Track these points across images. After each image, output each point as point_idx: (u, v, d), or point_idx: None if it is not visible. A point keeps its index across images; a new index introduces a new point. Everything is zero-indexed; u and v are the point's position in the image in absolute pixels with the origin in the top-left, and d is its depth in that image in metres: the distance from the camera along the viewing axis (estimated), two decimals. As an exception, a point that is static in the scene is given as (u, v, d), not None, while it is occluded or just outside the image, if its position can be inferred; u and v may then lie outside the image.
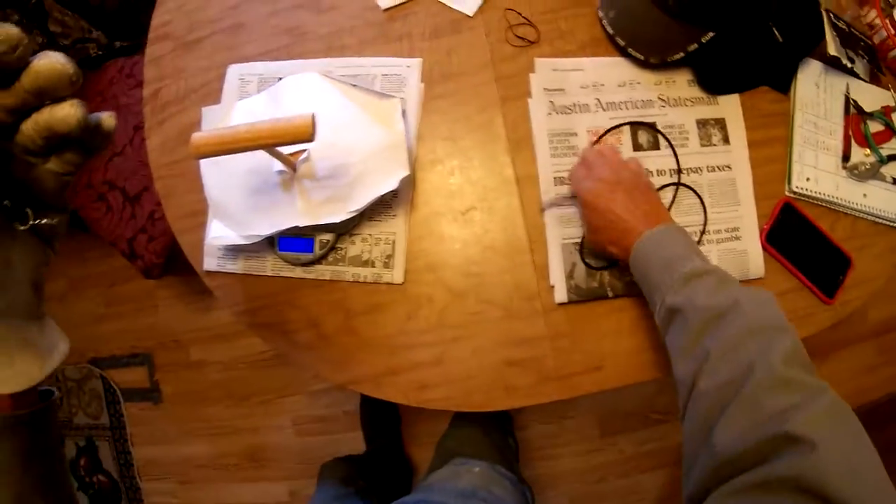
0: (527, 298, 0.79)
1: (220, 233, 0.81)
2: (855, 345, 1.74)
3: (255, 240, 0.79)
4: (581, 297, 0.79)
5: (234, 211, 0.81)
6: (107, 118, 0.44)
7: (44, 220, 0.46)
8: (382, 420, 1.71)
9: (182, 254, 0.85)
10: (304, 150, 0.76)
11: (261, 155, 0.70)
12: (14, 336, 0.45)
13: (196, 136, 0.64)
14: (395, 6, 0.88)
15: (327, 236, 0.80)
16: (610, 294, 0.80)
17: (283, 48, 0.88)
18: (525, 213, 0.81)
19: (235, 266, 0.83)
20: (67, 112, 0.40)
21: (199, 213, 0.85)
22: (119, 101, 1.32)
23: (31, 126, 0.40)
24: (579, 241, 0.80)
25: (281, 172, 0.77)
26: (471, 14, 0.87)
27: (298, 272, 0.81)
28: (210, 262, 0.84)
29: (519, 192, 0.81)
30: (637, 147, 0.85)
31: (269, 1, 0.91)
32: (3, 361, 0.44)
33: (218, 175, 0.82)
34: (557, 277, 0.80)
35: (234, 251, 0.83)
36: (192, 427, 1.83)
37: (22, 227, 0.45)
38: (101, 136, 0.44)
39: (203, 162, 0.82)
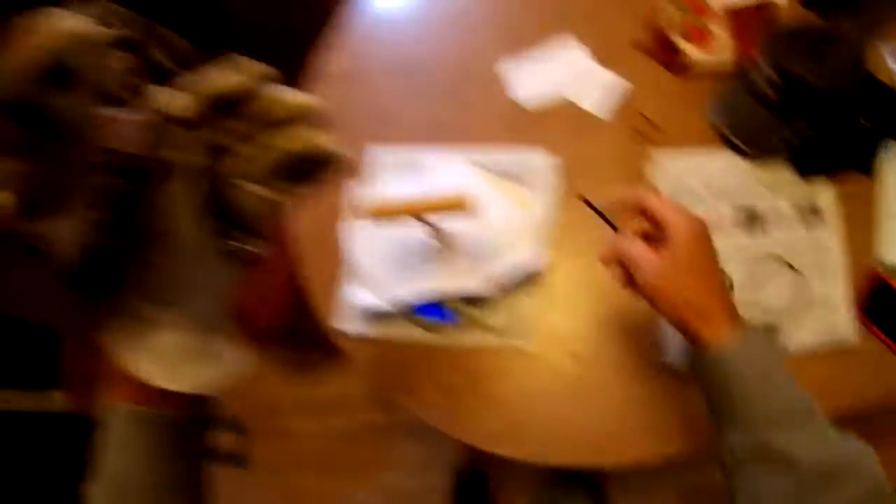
0: (644, 366, 0.91)
1: (363, 297, 0.93)
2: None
3: (399, 305, 0.90)
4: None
5: (380, 276, 0.93)
6: (340, 149, 0.48)
7: (246, 245, 0.49)
8: (473, 499, 1.72)
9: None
10: (453, 222, 0.87)
11: (408, 224, 0.82)
12: (199, 341, 0.47)
13: (371, 202, 0.77)
14: (531, 106, 1.03)
15: (465, 304, 0.91)
16: None
17: (424, 137, 1.03)
18: None
19: (370, 330, 0.94)
20: (310, 136, 0.45)
21: (336, 279, 0.96)
22: None
23: (260, 151, 0.44)
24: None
25: (427, 242, 0.89)
26: (599, 115, 1.01)
27: (432, 338, 0.93)
28: (345, 326, 0.94)
29: None
30: (743, 229, 0.98)
31: (420, 92, 1.06)
32: (181, 361, 0.46)
33: (365, 242, 0.95)
34: (674, 349, 0.93)
35: (371, 316, 0.94)
36: (279, 496, 1.85)
37: (227, 247, 0.48)
38: (327, 166, 0.47)
39: (351, 229, 0.96)
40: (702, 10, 1.08)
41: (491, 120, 1.03)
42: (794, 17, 1.05)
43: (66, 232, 0.41)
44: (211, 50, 0.46)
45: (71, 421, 2.22)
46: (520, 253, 0.91)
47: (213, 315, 0.49)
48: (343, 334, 0.94)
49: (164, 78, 0.43)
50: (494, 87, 1.05)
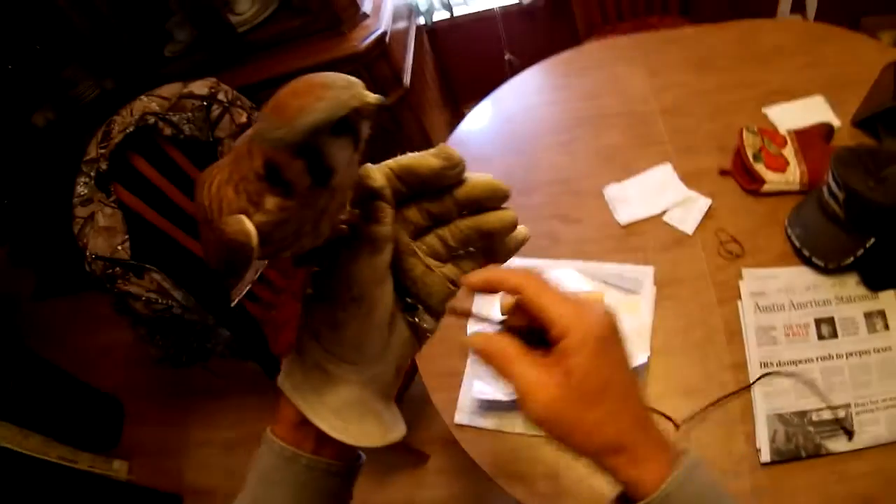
0: (737, 460, 1.03)
1: (483, 389, 1.05)
2: None
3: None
4: (781, 457, 1.04)
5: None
6: (523, 230, 0.51)
7: (424, 324, 0.51)
8: None
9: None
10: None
11: None
12: (370, 402, 0.50)
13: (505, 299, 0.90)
14: (631, 223, 1.19)
15: None
16: (803, 455, 1.04)
17: (539, 249, 1.20)
18: (740, 396, 1.06)
19: (485, 422, 1.04)
20: (506, 217, 0.49)
21: (453, 374, 1.09)
22: None
23: (450, 232, 0.48)
24: (783, 412, 1.06)
25: None
26: (690, 233, 1.17)
27: (540, 431, 1.06)
28: (461, 417, 1.05)
29: (734, 376, 1.08)
30: (820, 336, 1.11)
31: (534, 209, 1.23)
32: (353, 417, 0.48)
33: None
34: (763, 441, 1.05)
35: (486, 408, 1.05)
36: None
37: (409, 320, 0.50)
38: (510, 246, 0.51)
39: (470, 325, 1.07)
40: (775, 137, 1.24)
41: (597, 237, 1.19)
42: (849, 136, 1.20)
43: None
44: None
45: (128, 490, 2.41)
46: (632, 354, 1.04)
47: (387, 380, 0.52)
48: (460, 426, 1.05)
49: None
50: (599, 206, 1.22)
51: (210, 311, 1.62)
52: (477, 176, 0.48)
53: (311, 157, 0.38)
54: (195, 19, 2.05)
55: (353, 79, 0.39)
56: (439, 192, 0.48)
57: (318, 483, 0.50)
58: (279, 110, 0.37)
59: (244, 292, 1.75)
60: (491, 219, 0.49)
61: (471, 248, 0.51)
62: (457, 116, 2.75)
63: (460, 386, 1.10)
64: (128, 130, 1.48)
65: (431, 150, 0.48)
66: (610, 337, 0.48)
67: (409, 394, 1.62)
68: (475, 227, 0.49)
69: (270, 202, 0.39)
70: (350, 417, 0.48)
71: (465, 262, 0.51)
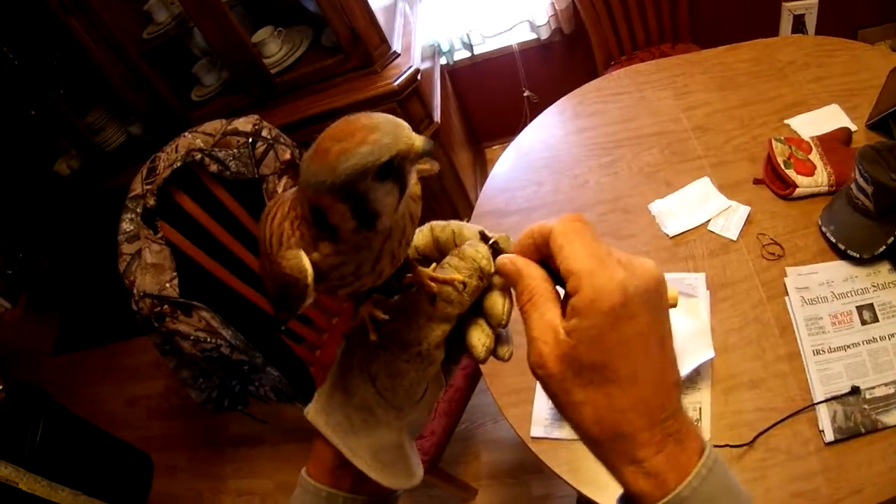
0: (803, 442, 1.14)
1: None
2: None
3: None
4: (843, 435, 1.16)
5: None
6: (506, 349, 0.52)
7: (450, 373, 0.55)
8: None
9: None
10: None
11: None
12: (405, 445, 0.52)
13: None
14: (679, 235, 1.33)
15: None
16: (862, 430, 1.16)
17: None
18: (797, 380, 1.19)
19: (560, 433, 1.14)
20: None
21: (522, 391, 1.19)
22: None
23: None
24: (839, 394, 1.18)
25: None
26: (734, 239, 1.31)
27: None
28: (537, 430, 1.14)
29: (790, 364, 1.20)
30: (863, 322, 1.24)
31: None
32: (388, 460, 0.50)
33: None
34: (825, 423, 1.17)
35: (560, 419, 1.14)
36: None
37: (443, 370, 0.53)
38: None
39: None
40: (800, 143, 1.39)
41: (650, 250, 1.33)
42: (866, 138, 1.33)
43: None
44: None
45: None
46: (693, 353, 1.17)
47: (422, 423, 0.54)
48: (536, 439, 1.15)
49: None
50: (647, 221, 1.36)
51: (259, 349, 1.64)
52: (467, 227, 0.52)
53: (355, 201, 0.38)
54: (229, 63, 2.15)
55: (398, 121, 0.39)
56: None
57: None
58: (321, 154, 0.38)
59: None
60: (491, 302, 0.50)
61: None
62: (479, 154, 2.88)
63: (533, 401, 1.20)
64: (175, 166, 1.48)
65: (470, 244, 0.50)
66: (631, 308, 0.41)
67: (456, 432, 1.68)
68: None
69: (324, 247, 0.41)
70: (386, 460, 0.50)
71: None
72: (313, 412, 0.50)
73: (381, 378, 0.49)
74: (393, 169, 0.38)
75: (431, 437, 1.57)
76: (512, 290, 0.48)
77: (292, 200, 0.42)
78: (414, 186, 0.44)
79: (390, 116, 0.39)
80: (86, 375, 3.44)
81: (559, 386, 0.42)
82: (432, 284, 0.48)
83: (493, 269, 0.48)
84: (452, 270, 0.48)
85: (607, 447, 0.42)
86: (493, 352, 0.50)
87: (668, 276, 1.30)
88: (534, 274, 0.46)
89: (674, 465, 0.41)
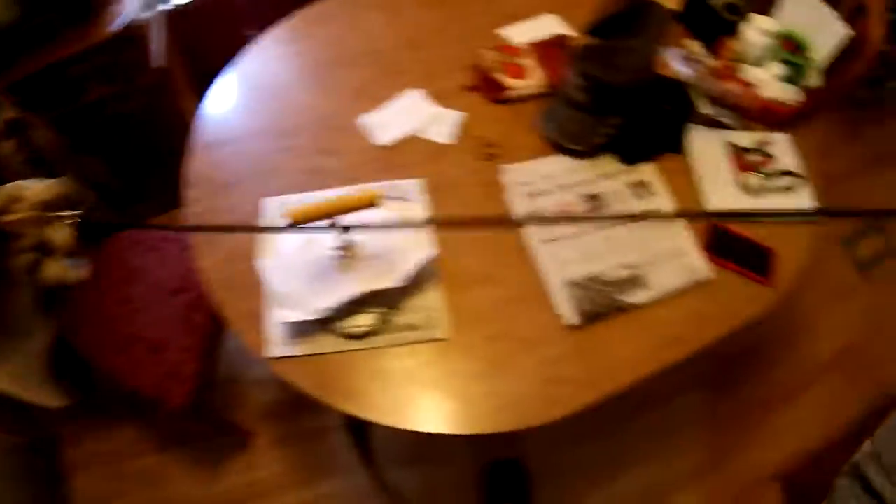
0: (543, 329, 1.06)
1: (285, 315, 1.02)
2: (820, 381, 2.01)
3: (325, 313, 1.00)
4: (587, 319, 1.07)
5: (299, 295, 1.03)
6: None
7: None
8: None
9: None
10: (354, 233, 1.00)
11: (317, 245, 0.98)
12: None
13: (291, 208, 0.88)
14: (393, 145, 1.23)
15: (379, 309, 1.04)
16: (605, 311, 1.08)
17: (312, 183, 1.19)
18: (531, 270, 1.11)
19: (298, 349, 1.04)
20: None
21: (254, 315, 1.06)
22: (133, 264, 1.56)
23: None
24: (575, 278, 1.10)
25: (334, 253, 1.02)
26: (449, 143, 1.23)
27: (354, 345, 1.04)
28: (273, 350, 1.04)
29: (519, 257, 1.12)
30: (588, 209, 1.19)
31: (295, 148, 1.24)
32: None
33: (279, 268, 1.06)
34: (565, 307, 1.08)
35: (296, 334, 1.04)
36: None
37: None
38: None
39: (264, 261, 1.08)
40: (512, 49, 1.36)
41: (361, 162, 1.21)
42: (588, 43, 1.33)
43: None
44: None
45: None
46: (414, 253, 1.05)
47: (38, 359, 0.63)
48: (276, 360, 1.04)
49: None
50: (358, 135, 1.25)
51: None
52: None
53: None
54: None
55: None
56: None
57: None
58: None
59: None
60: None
61: None
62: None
63: (266, 322, 1.07)
64: None
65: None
66: None
67: (219, 378, 1.61)
68: None
69: None
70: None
71: None
72: None
73: None
74: None
75: (190, 380, 1.42)
76: None
77: None
78: None
79: None
80: None
81: None
82: None
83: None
84: None
85: None
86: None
87: (381, 184, 1.18)
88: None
89: None
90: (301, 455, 1.88)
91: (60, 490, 0.54)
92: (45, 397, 0.54)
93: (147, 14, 2.06)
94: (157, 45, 2.11)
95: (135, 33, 1.87)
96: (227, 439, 1.90)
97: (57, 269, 0.63)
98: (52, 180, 0.65)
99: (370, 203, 0.92)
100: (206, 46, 2.57)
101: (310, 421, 1.92)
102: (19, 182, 0.64)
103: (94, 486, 1.84)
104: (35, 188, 0.63)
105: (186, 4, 2.40)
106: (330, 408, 1.01)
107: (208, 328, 1.49)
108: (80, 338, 1.45)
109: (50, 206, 0.62)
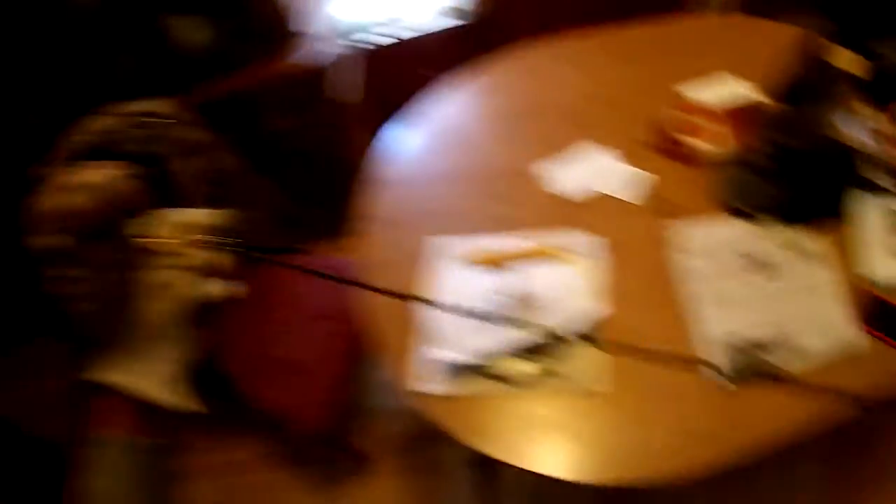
0: (698, 387, 1.16)
1: (441, 353, 1.14)
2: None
3: (483, 356, 1.12)
4: (740, 378, 1.17)
5: (458, 335, 1.14)
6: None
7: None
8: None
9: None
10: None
11: (482, 288, 1.08)
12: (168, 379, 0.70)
13: (471, 251, 1.03)
14: (576, 197, 1.39)
15: (535, 357, 1.13)
16: (758, 375, 1.18)
17: (485, 228, 1.32)
18: (690, 328, 1.23)
19: (441, 387, 1.15)
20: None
21: (405, 348, 1.18)
22: (284, 288, 1.67)
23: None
24: (733, 339, 1.23)
25: (499, 301, 1.14)
26: (631, 201, 1.38)
27: (503, 389, 1.15)
28: (417, 385, 1.15)
29: (682, 315, 1.24)
30: (754, 272, 1.31)
31: (473, 193, 1.38)
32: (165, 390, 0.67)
33: (441, 304, 1.21)
34: (722, 364, 1.19)
35: (448, 373, 1.15)
36: None
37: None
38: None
39: (425, 302, 1.22)
40: (698, 110, 1.46)
41: (539, 212, 1.36)
42: (776, 109, 1.40)
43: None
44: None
45: None
46: (578, 305, 1.20)
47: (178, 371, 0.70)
48: (422, 395, 1.15)
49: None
50: (537, 186, 1.40)
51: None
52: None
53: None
54: (140, 46, 2.07)
55: None
56: None
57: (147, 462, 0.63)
58: None
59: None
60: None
61: None
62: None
63: (415, 357, 1.20)
64: (91, 142, 1.48)
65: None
66: None
67: (348, 404, 1.71)
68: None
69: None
70: (161, 388, 0.64)
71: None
72: (98, 373, 0.56)
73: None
74: None
75: (324, 406, 1.56)
76: None
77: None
78: None
79: None
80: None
81: None
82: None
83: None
84: None
85: None
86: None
87: (565, 238, 1.34)
88: None
89: None
90: (421, 488, 1.91)
91: (174, 494, 0.62)
92: (178, 402, 0.62)
93: (334, 51, 2.18)
94: (342, 81, 2.19)
95: (322, 69, 1.98)
96: (348, 464, 1.95)
97: (210, 288, 0.71)
98: (216, 210, 0.69)
99: (548, 255, 1.07)
100: (387, 86, 2.71)
101: (434, 455, 1.94)
102: (190, 209, 0.70)
103: (207, 495, 1.86)
104: (201, 215, 0.69)
105: (372, 44, 2.51)
106: (464, 446, 1.09)
107: (350, 356, 1.60)
108: (223, 352, 1.52)
109: (211, 232, 0.67)
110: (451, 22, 2.45)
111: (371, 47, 2.49)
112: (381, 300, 1.20)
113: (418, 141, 1.49)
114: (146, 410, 0.55)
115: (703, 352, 1.21)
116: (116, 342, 0.61)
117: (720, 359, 1.21)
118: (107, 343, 0.61)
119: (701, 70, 1.55)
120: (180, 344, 0.64)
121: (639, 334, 1.21)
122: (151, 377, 0.63)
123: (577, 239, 1.34)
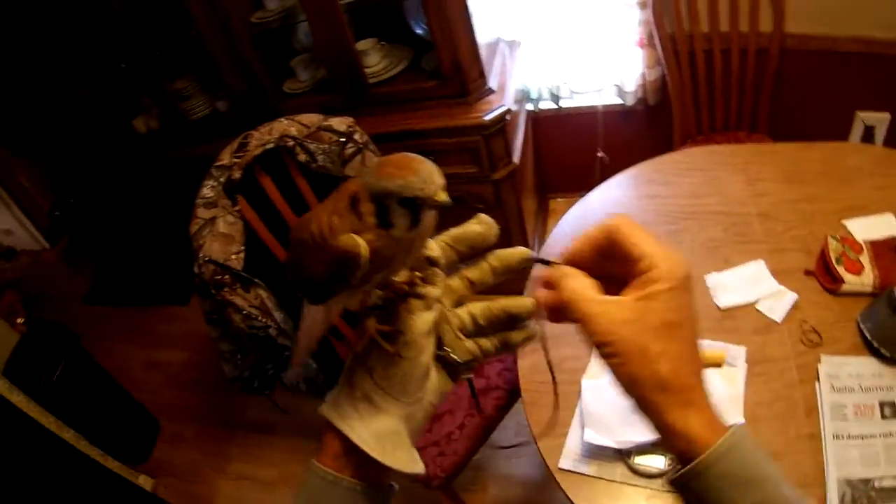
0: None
1: (594, 436, 1.28)
2: None
3: (627, 445, 1.26)
4: None
5: (610, 421, 1.30)
6: (535, 327, 0.61)
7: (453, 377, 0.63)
8: None
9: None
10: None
11: None
12: (404, 435, 0.59)
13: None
14: (729, 308, 1.49)
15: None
16: None
17: None
18: (814, 460, 1.30)
19: (587, 469, 1.26)
20: (527, 302, 0.59)
21: (556, 424, 1.31)
22: None
23: (481, 310, 0.60)
24: (851, 478, 1.31)
25: None
26: (778, 321, 1.47)
27: (640, 481, 1.23)
28: (565, 462, 1.26)
29: (810, 444, 1.32)
30: (883, 416, 1.38)
31: None
32: (389, 445, 0.57)
33: (599, 390, 1.36)
34: (833, 502, 1.30)
35: (591, 455, 1.26)
36: None
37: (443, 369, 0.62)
38: (520, 338, 0.62)
39: (587, 380, 1.36)
40: (852, 243, 1.54)
41: (700, 316, 1.45)
42: None
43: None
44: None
45: (151, 501, 2.54)
46: (729, 417, 1.28)
47: (420, 419, 0.61)
48: (563, 471, 1.27)
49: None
50: (702, 291, 1.52)
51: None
52: (512, 248, 0.62)
53: (379, 206, 0.51)
54: (329, 63, 2.27)
55: (436, 176, 0.51)
56: (479, 259, 0.61)
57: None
58: (380, 166, 0.51)
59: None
60: (515, 302, 0.60)
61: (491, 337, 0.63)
62: (543, 202, 3.04)
63: (566, 435, 1.34)
64: (266, 146, 1.58)
65: (473, 220, 0.62)
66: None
67: (473, 460, 1.79)
68: (502, 308, 0.60)
69: (367, 235, 0.52)
70: (387, 444, 0.57)
71: (483, 341, 0.61)
72: (326, 407, 0.60)
73: (378, 370, 0.58)
74: (413, 203, 0.50)
75: (453, 455, 1.68)
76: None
77: (334, 201, 0.54)
78: (430, 224, 0.55)
79: (433, 168, 0.51)
80: (111, 330, 3.50)
81: (633, 343, 0.50)
82: (403, 286, 0.60)
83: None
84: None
85: (673, 393, 0.50)
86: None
87: (713, 344, 1.45)
88: (567, 272, 0.56)
89: (713, 420, 0.52)
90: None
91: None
92: (391, 460, 0.56)
93: (516, 110, 2.30)
94: (519, 141, 2.32)
95: (505, 126, 2.08)
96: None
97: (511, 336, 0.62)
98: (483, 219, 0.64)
99: (716, 363, 1.15)
100: (558, 155, 2.84)
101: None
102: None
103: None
104: (471, 227, 0.62)
105: (551, 110, 2.63)
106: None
107: (490, 416, 1.68)
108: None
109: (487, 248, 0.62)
110: (619, 101, 2.57)
111: (539, 112, 2.60)
112: (544, 377, 1.32)
113: (581, 225, 1.59)
114: (360, 455, 0.56)
115: (822, 489, 1.27)
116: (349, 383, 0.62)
117: (836, 495, 1.26)
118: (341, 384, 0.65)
119: (870, 206, 1.62)
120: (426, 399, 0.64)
121: (767, 450, 1.29)
122: (385, 436, 0.59)
123: (720, 345, 1.44)
